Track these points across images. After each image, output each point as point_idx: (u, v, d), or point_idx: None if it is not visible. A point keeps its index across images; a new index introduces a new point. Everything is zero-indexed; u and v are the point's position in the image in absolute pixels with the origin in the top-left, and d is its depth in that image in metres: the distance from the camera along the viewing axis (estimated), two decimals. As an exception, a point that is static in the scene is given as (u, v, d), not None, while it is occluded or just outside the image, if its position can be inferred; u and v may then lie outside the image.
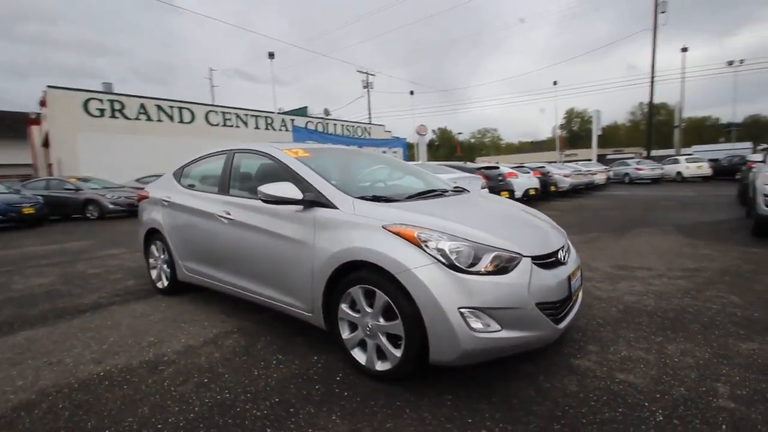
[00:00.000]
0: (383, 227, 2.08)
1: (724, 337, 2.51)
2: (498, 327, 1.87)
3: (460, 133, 68.57)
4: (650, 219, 8.04)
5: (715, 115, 69.72)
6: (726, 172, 19.28)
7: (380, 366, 2.11)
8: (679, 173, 20.17)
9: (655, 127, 25.11)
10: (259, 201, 2.74)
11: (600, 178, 17.57)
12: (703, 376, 2.07)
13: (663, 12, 22.89)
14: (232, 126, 21.39)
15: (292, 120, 24.67)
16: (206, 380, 2.21)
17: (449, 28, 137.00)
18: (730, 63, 29.55)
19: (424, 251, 1.94)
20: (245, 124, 22.13)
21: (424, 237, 1.97)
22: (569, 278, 2.18)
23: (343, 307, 2.23)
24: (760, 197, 5.36)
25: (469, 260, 1.92)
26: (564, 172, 14.32)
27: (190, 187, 3.58)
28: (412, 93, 27.70)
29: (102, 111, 16.48)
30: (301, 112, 28.75)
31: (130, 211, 12.28)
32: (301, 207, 2.46)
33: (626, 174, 20.74)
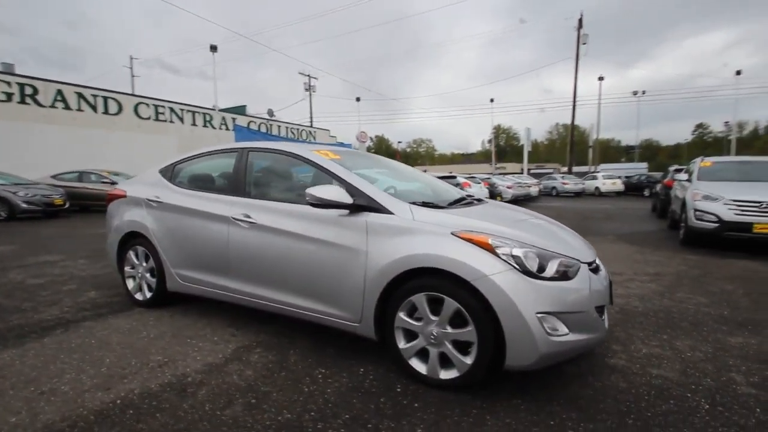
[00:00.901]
0: (452, 234, 2.08)
1: (714, 333, 2.88)
2: (566, 330, 1.96)
3: (399, 142, 70.33)
4: (591, 228, 8.92)
5: (617, 138, 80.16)
6: (635, 188, 22.17)
7: (445, 374, 2.08)
8: (597, 188, 22.71)
9: (570, 146, 28.16)
10: (290, 204, 2.62)
11: (534, 190, 19.14)
12: (717, 367, 2.36)
13: (584, 44, 25.76)
14: (165, 121, 19.67)
15: (234, 119, 23.39)
16: (254, 401, 2.01)
17: (386, 40, 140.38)
18: (635, 93, 34.24)
19: (499, 257, 1.97)
20: (181, 119, 20.50)
21: (496, 243, 2.00)
22: (610, 282, 2.35)
23: (401, 315, 2.17)
24: (691, 212, 6.24)
25: (537, 266, 1.99)
26: (507, 184, 15.37)
27: (187, 186, 3.24)
28: (358, 99, 27.85)
29: (9, 96, 14.17)
30: (240, 110, 27.34)
31: (46, 211, 10.75)
32: (346, 212, 2.36)
33: (554, 187, 22.82)
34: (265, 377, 2.25)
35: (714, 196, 6.06)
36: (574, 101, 26.48)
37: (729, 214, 5.77)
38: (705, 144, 64.96)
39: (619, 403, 1.98)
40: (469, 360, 2.01)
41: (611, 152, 72.26)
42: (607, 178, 23.14)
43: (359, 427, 1.80)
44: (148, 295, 3.37)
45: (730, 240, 5.85)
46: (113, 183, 12.58)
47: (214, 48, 18.87)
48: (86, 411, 1.92)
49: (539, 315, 1.90)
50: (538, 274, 1.96)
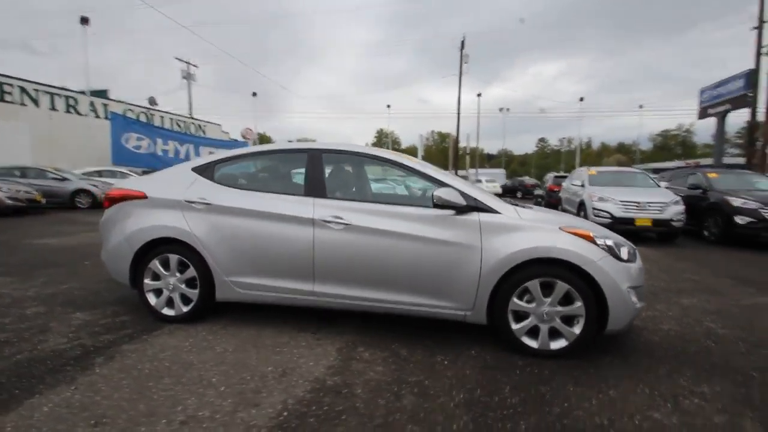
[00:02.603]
0: (561, 229, 2.53)
1: (671, 298, 3.94)
2: (637, 300, 2.59)
3: (290, 141, 68.46)
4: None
5: (480, 146, 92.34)
6: (509, 191, 26.12)
7: (555, 345, 2.52)
8: (482, 190, 26.03)
9: (443, 153, 31.93)
10: (389, 206, 2.76)
11: (434, 191, 21.03)
12: (695, 320, 3.32)
13: (466, 63, 29.16)
14: (13, 103, 15.67)
15: (105, 104, 19.87)
16: (416, 390, 2.14)
17: (263, 38, 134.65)
18: (501, 109, 40.35)
19: (598, 246, 2.50)
20: (35, 102, 16.55)
21: (595, 235, 2.53)
22: (637, 264, 3.10)
23: (515, 299, 2.53)
24: (590, 210, 7.93)
25: (616, 251, 2.58)
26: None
27: (242, 186, 3.00)
28: (255, 95, 26.33)
29: None
30: (101, 95, 23.24)
31: None
32: (452, 212, 2.61)
33: (447, 189, 25.37)
34: (400, 370, 2.36)
35: (606, 197, 7.83)
36: (458, 114, 29.74)
37: (618, 212, 7.55)
38: (546, 155, 79.28)
39: (666, 350, 2.71)
40: (577, 330, 2.49)
41: (475, 158, 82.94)
42: (490, 181, 26.78)
43: (527, 395, 2.11)
44: (184, 309, 2.99)
45: (618, 231, 7.63)
46: (-46, 179, 9.69)
47: (84, 20, 15.70)
48: (265, 429, 1.80)
49: (629, 289, 2.48)
50: (622, 258, 2.55)
